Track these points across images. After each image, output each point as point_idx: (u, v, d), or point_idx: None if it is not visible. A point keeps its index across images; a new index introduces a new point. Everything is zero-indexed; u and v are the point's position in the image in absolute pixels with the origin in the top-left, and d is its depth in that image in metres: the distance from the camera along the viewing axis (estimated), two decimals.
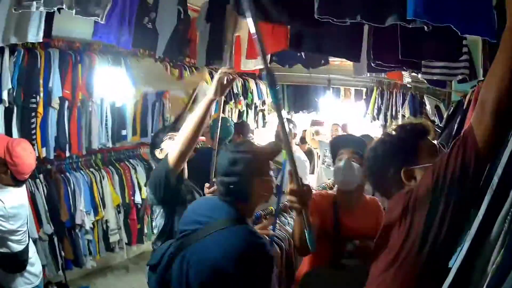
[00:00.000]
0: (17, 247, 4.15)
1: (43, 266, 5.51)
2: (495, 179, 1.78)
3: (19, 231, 4.12)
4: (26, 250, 4.28)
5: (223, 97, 3.89)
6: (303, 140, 10.51)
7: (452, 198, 1.99)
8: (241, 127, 7.03)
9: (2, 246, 4.06)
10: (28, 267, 4.30)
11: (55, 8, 3.68)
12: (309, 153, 9.79)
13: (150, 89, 6.81)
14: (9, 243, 4.08)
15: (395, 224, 2.24)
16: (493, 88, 1.81)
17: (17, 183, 4.11)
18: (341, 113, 10.77)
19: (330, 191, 4.07)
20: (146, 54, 6.85)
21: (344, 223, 3.60)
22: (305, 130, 10.83)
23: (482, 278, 1.78)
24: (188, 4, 5.20)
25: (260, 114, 10.67)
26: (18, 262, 4.22)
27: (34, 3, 3.60)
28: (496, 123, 1.84)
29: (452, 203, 1.99)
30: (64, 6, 3.67)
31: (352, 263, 3.38)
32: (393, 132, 2.58)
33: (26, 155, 4.08)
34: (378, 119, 9.78)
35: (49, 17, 4.38)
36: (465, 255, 1.83)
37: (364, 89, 10.39)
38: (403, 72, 7.60)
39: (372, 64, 5.09)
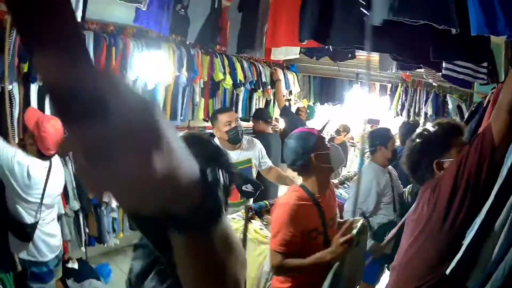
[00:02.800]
0: (26, 219, 4.25)
1: (67, 242, 5.68)
2: (504, 169, 1.97)
3: (31, 202, 4.24)
4: (34, 226, 4.32)
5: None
6: (338, 133, 10.80)
7: (470, 184, 2.27)
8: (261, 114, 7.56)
9: (14, 212, 4.20)
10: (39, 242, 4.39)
11: None
12: (343, 145, 10.02)
13: (182, 74, 6.98)
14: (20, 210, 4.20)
15: (424, 204, 2.60)
16: (510, 91, 2.00)
17: (41, 156, 4.26)
18: (366, 107, 10.90)
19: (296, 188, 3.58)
20: (178, 40, 6.94)
21: (325, 211, 3.42)
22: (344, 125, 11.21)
23: (489, 259, 1.96)
24: None
25: (287, 103, 10.77)
26: (23, 232, 4.29)
27: None
28: (511, 121, 2.03)
29: (470, 189, 2.28)
30: None
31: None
32: (431, 128, 2.96)
33: (53, 132, 4.19)
34: (401, 115, 9.92)
35: (84, 1, 4.48)
36: (475, 234, 2.03)
37: (389, 85, 10.52)
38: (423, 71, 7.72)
39: (392, 58, 5.24)
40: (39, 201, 4.30)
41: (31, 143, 4.21)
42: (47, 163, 4.39)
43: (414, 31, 3.89)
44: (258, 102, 9.64)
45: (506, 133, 2.11)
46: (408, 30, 3.82)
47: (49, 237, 4.50)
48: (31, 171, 4.12)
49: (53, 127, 4.18)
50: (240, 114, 8.76)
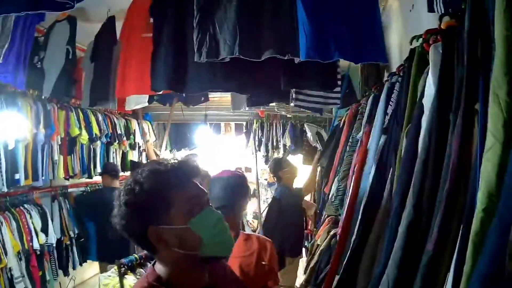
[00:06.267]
0: None
1: None
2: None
3: None
4: None
5: None
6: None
7: None
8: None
9: None
10: None
11: None
12: None
13: (39, 131, 6.77)
14: None
15: None
16: None
17: None
18: (220, 147, 11.12)
19: None
20: (36, 95, 6.72)
21: None
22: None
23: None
24: (76, 44, 5.27)
25: (144, 154, 10.71)
26: None
27: None
28: None
29: None
30: None
31: None
32: (141, 179, 1.83)
33: None
34: (259, 150, 10.15)
35: None
36: (350, 255, 2.13)
37: (244, 123, 10.76)
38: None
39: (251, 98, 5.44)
40: None
41: None
42: None
43: (262, 67, 4.03)
44: (115, 155, 9.48)
45: None
46: (256, 67, 3.94)
47: None
48: None
49: None
50: (98, 169, 8.56)
